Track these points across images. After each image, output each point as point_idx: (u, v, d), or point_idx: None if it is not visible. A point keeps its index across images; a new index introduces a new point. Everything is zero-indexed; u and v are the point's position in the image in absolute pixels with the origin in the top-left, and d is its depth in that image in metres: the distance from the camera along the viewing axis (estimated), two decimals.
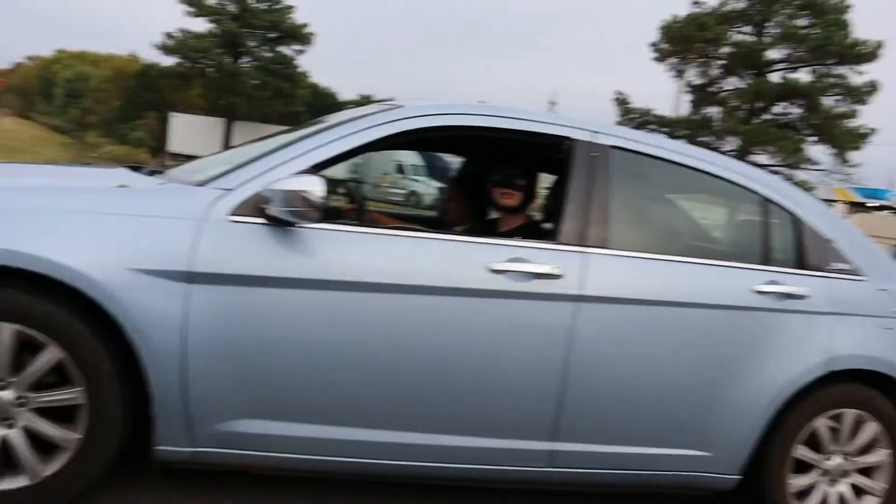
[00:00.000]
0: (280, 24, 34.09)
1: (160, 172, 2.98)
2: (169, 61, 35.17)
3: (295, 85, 35.23)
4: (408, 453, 2.57)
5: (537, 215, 3.33)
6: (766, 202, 3.09)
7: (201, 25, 33.97)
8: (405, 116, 2.68)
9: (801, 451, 2.94)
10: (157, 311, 2.27)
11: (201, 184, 2.48)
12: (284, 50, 35.36)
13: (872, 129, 24.01)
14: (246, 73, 33.76)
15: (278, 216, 2.35)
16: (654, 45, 25.62)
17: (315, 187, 2.33)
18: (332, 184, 2.68)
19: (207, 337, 2.32)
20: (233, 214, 2.37)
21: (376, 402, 2.50)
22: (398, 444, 2.55)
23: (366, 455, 2.55)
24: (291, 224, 2.39)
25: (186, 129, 34.53)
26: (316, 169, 2.52)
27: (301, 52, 35.37)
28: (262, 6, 33.99)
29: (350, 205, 3.47)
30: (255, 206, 2.38)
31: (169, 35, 33.33)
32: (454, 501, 2.97)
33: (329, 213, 2.76)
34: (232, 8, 33.67)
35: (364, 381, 2.47)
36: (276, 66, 34.23)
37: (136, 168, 3.10)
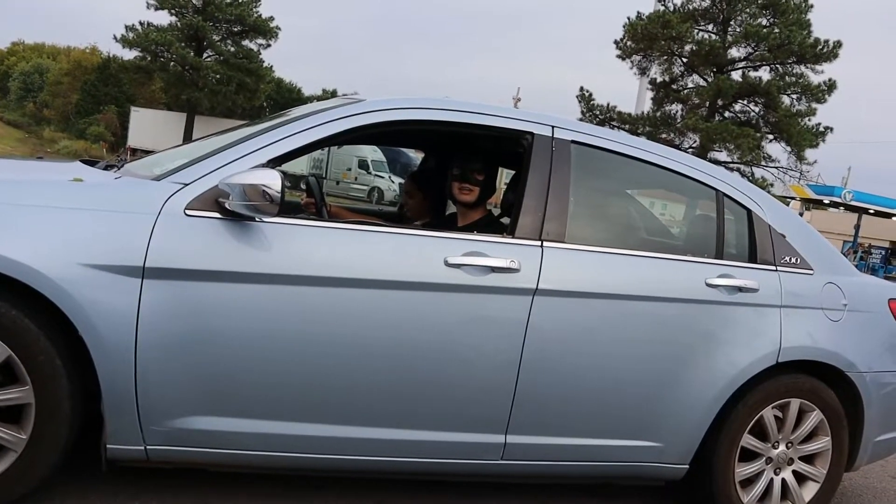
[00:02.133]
0: (245, 18, 33.75)
1: (115, 167, 2.95)
2: (129, 55, 34.62)
3: (258, 79, 34.90)
4: (365, 448, 2.58)
5: (496, 210, 3.37)
6: (721, 197, 3.16)
7: (163, 18, 33.53)
8: (366, 111, 2.68)
9: (749, 440, 3.02)
10: (109, 307, 2.24)
11: (157, 178, 2.45)
12: (249, 44, 35.02)
13: (828, 128, 24.57)
14: (209, 67, 33.37)
15: (236, 210, 2.34)
16: (618, 42, 25.85)
17: (273, 181, 2.32)
18: (292, 178, 2.67)
19: (161, 333, 2.29)
20: (189, 209, 2.35)
21: (333, 397, 2.51)
22: (356, 439, 2.56)
23: (323, 450, 2.55)
24: (249, 218, 2.38)
25: (147, 124, 34.05)
26: (275, 163, 2.52)
27: (266, 46, 35.07)
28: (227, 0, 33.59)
29: (309, 199, 3.47)
30: (213, 201, 2.37)
31: (130, 28, 32.80)
32: (445, 499, 3.01)
33: (288, 208, 2.76)
34: (195, 1, 33.20)
35: (320, 376, 2.47)
36: (239, 61, 33.89)
37: (90, 162, 3.06)
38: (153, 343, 2.29)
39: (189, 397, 2.37)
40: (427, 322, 2.55)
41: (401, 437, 2.60)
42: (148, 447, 2.39)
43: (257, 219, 2.39)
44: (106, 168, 2.96)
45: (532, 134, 2.83)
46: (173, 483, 2.75)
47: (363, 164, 30.40)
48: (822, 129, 24.56)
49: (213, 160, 2.49)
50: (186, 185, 2.40)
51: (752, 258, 3.12)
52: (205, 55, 34.21)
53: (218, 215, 2.37)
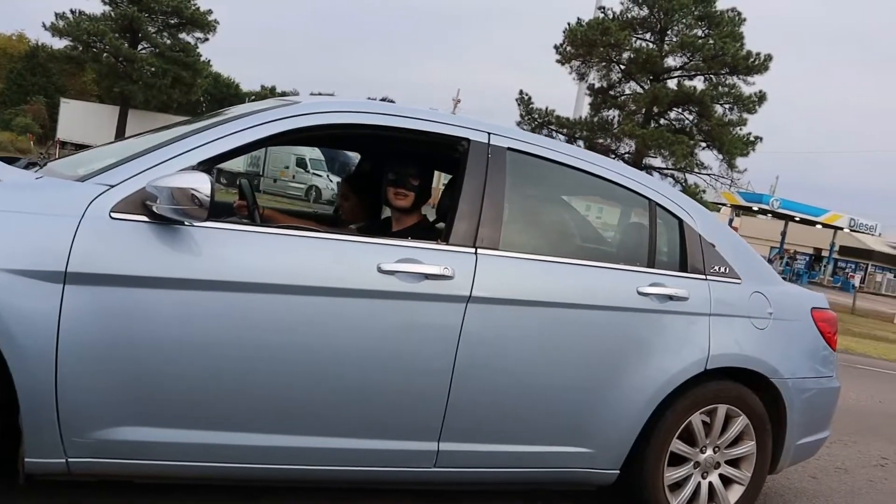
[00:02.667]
0: (182, 11, 32.96)
1: (37, 165, 2.83)
2: (60, 44, 33.39)
3: (195, 74, 34.11)
4: (297, 457, 2.53)
5: (431, 215, 3.35)
6: (653, 206, 3.22)
7: (96, 7, 32.44)
8: (300, 113, 2.64)
9: (678, 446, 3.09)
10: (28, 313, 2.13)
11: (82, 179, 2.35)
12: (186, 37, 34.21)
13: (758, 138, 25.38)
14: (144, 59, 32.43)
15: (164, 214, 2.26)
16: (558, 47, 26.18)
17: (203, 185, 2.25)
18: (226, 177, 2.60)
19: (84, 341, 2.20)
20: (115, 212, 2.26)
21: (264, 406, 2.45)
22: (288, 448, 2.51)
23: (254, 460, 2.49)
24: (178, 223, 2.31)
25: (77, 117, 32.93)
26: (205, 165, 2.44)
27: (203, 40, 34.30)
28: None
29: (241, 202, 3.39)
30: (140, 204, 2.29)
31: (60, 15, 31.62)
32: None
33: (219, 211, 2.69)
34: None
35: (251, 385, 2.41)
36: (175, 54, 33.06)
37: (10, 160, 2.92)
38: (75, 351, 2.19)
39: (113, 408, 2.27)
40: (360, 329, 2.51)
41: (333, 446, 2.56)
42: (69, 460, 2.28)
43: (186, 223, 2.32)
44: (27, 167, 2.83)
45: (468, 140, 2.83)
46: (98, 494, 2.65)
47: (301, 163, 30.05)
48: (752, 138, 25.35)
49: (141, 161, 2.40)
50: (112, 186, 2.30)
51: (683, 267, 3.18)
52: (139, 47, 33.25)
53: (145, 219, 2.29)
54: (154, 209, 2.26)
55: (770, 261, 37.79)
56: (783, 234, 45.44)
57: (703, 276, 3.19)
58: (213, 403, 2.39)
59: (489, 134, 2.88)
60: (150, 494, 2.73)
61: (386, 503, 3.04)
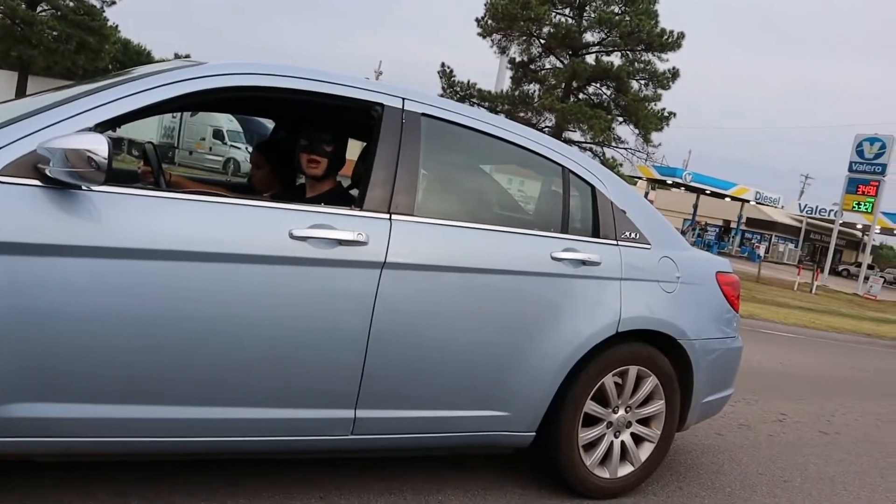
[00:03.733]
0: None
1: None
2: None
3: (102, 39, 32.44)
4: (209, 429, 2.47)
5: (348, 180, 3.30)
6: (567, 173, 3.25)
7: None
8: (206, 74, 2.52)
9: (591, 407, 3.16)
10: None
11: None
12: (90, 0, 32.47)
13: (672, 113, 26.07)
14: (44, 22, 30.59)
15: (58, 177, 2.13)
16: (479, 20, 26.13)
17: (99, 146, 2.12)
18: (138, 149, 2.48)
19: None
20: (3, 175, 2.11)
21: (172, 377, 2.37)
22: (198, 420, 2.44)
23: (166, 433, 2.41)
24: (75, 187, 2.18)
25: None
26: (103, 127, 2.32)
27: (111, 3, 32.63)
28: None
29: (146, 168, 3.26)
30: (31, 167, 2.15)
31: None
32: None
33: (123, 176, 2.57)
34: None
35: (158, 356, 2.33)
36: (79, 17, 31.30)
37: None
38: None
39: (12, 383, 2.15)
40: (272, 296, 2.45)
41: (246, 416, 2.51)
42: None
43: (83, 187, 2.20)
44: None
45: (382, 105, 2.78)
46: (56, 478, 2.53)
47: (218, 134, 29.13)
48: (666, 113, 26.01)
49: (32, 122, 2.24)
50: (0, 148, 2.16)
51: (596, 233, 3.24)
52: (39, 9, 31.38)
53: (38, 183, 2.15)
54: (47, 172, 2.13)
55: (683, 232, 39.14)
56: (695, 206, 47.14)
57: (615, 242, 3.25)
58: (116, 376, 2.29)
59: (403, 99, 2.84)
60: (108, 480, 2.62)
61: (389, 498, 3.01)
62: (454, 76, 26.66)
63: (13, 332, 2.13)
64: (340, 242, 2.55)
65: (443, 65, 26.81)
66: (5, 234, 2.10)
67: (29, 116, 2.28)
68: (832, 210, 41.82)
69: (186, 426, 2.43)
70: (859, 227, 45.07)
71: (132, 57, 38.45)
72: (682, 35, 25.17)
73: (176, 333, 2.34)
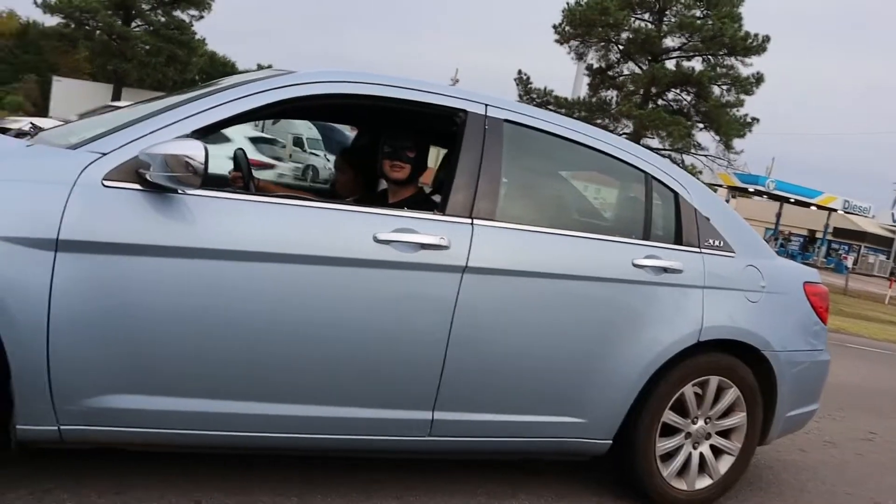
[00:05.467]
0: None
1: (29, 134, 2.81)
2: (51, 21, 33.03)
3: (190, 52, 33.82)
4: (291, 425, 2.54)
5: (428, 187, 3.35)
6: (649, 180, 3.22)
7: None
8: (297, 83, 2.62)
9: (670, 416, 3.11)
10: (18, 281, 2.12)
11: (73, 147, 2.34)
12: (180, 15, 33.89)
13: (755, 119, 25.35)
14: (137, 37, 32.13)
15: (157, 182, 2.25)
16: (556, 26, 26.04)
17: (197, 152, 2.24)
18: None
19: (76, 309, 2.19)
20: (107, 179, 2.24)
21: (257, 374, 2.46)
22: (281, 417, 2.52)
23: (247, 428, 2.50)
24: (172, 190, 2.30)
25: (70, 95, 32.60)
26: (199, 134, 2.42)
27: (199, 17, 34.01)
28: None
29: (236, 173, 3.39)
30: (133, 172, 2.27)
31: None
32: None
33: (214, 182, 2.68)
34: None
35: (245, 353, 2.42)
36: (170, 32, 32.76)
37: (1, 130, 2.90)
38: (67, 319, 2.18)
39: (105, 375, 2.28)
40: (355, 299, 2.52)
41: (327, 414, 2.58)
42: (62, 427, 2.28)
43: (180, 191, 2.31)
44: (17, 136, 2.81)
45: (465, 112, 2.82)
46: (91, 465, 2.67)
47: (298, 142, 29.80)
48: (749, 119, 25.34)
49: (134, 129, 2.38)
50: (104, 154, 2.29)
51: (678, 240, 3.19)
52: (133, 24, 32.94)
53: (138, 187, 2.28)
54: (147, 177, 2.25)
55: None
56: (778, 215, 45.49)
57: (698, 249, 3.20)
58: (206, 372, 2.40)
59: (486, 105, 2.87)
60: (136, 470, 2.75)
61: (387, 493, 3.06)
62: (531, 83, 26.62)
63: (109, 327, 2.25)
64: (423, 246, 2.59)
65: (519, 72, 26.85)
66: (109, 235, 2.23)
67: (130, 125, 2.42)
68: None
69: (268, 422, 2.51)
70: None
71: (218, 68, 39.86)
72: (767, 38, 24.49)
73: (263, 333, 2.43)
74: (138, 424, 2.37)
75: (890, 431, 5.49)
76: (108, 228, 2.23)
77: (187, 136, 2.37)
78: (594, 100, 26.61)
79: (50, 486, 2.52)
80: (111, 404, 2.31)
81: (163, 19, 33.35)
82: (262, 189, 3.54)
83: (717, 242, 3.26)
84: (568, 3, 25.42)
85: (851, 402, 6.31)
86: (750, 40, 24.44)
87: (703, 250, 3.20)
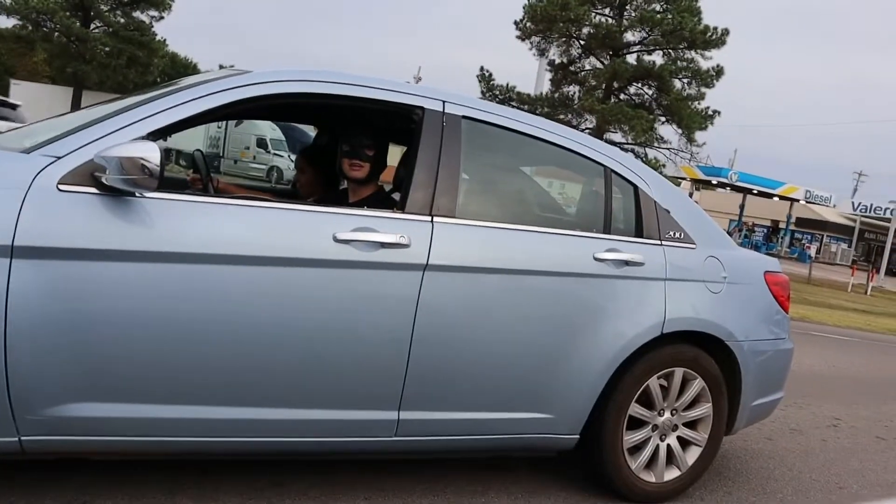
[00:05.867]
0: None
1: None
2: (7, 23, 32.29)
3: (151, 53, 33.33)
4: (257, 429, 2.52)
5: (389, 185, 3.33)
6: (609, 173, 3.24)
7: None
8: (252, 82, 2.59)
9: (636, 409, 3.13)
10: None
11: (27, 151, 2.28)
12: (140, 16, 33.37)
13: (716, 112, 25.70)
14: (97, 38, 31.56)
15: (113, 185, 2.21)
16: (518, 23, 26.12)
17: (152, 154, 2.20)
18: (185, 159, 2.55)
19: (34, 316, 2.14)
20: (63, 183, 2.20)
21: (221, 378, 2.42)
22: (247, 420, 2.49)
23: (214, 433, 2.47)
24: (129, 194, 2.26)
25: (29, 99, 31.92)
26: (155, 136, 2.39)
27: (159, 18, 33.52)
28: None
29: (195, 175, 3.34)
30: (88, 175, 2.23)
31: None
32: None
33: (173, 184, 2.64)
34: None
35: (207, 357, 2.39)
36: (130, 33, 32.25)
37: None
38: (25, 327, 2.13)
39: (67, 384, 2.23)
40: (316, 299, 2.50)
41: (292, 417, 2.55)
42: (22, 438, 2.23)
43: (137, 194, 2.27)
44: None
45: (423, 108, 2.81)
46: (109, 476, 2.61)
47: (262, 143, 29.64)
48: (710, 112, 25.68)
49: (89, 132, 2.34)
50: (59, 158, 2.24)
51: (639, 233, 3.22)
52: (92, 26, 32.36)
53: (94, 190, 2.23)
54: (103, 180, 2.21)
55: (729, 233, 38.41)
56: (742, 206, 46.19)
57: (659, 242, 3.22)
58: (168, 377, 2.36)
59: (444, 102, 2.86)
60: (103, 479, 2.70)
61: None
62: (493, 80, 26.71)
63: (70, 334, 2.21)
64: (383, 245, 2.58)
65: (482, 69, 26.92)
66: (64, 240, 2.18)
67: (85, 128, 2.37)
68: (888, 208, 40.57)
69: (233, 427, 2.48)
70: None
71: (179, 69, 39.40)
72: (726, 31, 24.83)
73: (223, 335, 2.40)
74: (103, 433, 2.33)
75: (853, 417, 5.61)
76: (65, 233, 2.18)
77: (143, 137, 2.34)
78: (557, 95, 26.77)
79: (12, 498, 2.46)
80: (74, 413, 2.26)
81: (122, 20, 32.81)
82: (222, 191, 3.49)
83: (677, 234, 3.29)
84: (529, 0, 25.52)
85: (816, 389, 6.43)
86: (709, 34, 24.77)
87: (664, 243, 3.23)
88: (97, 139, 2.30)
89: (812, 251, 45.87)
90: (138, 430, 2.37)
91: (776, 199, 45.04)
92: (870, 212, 46.26)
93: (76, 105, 31.31)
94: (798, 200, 44.71)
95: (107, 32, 32.21)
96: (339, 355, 2.56)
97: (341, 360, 2.57)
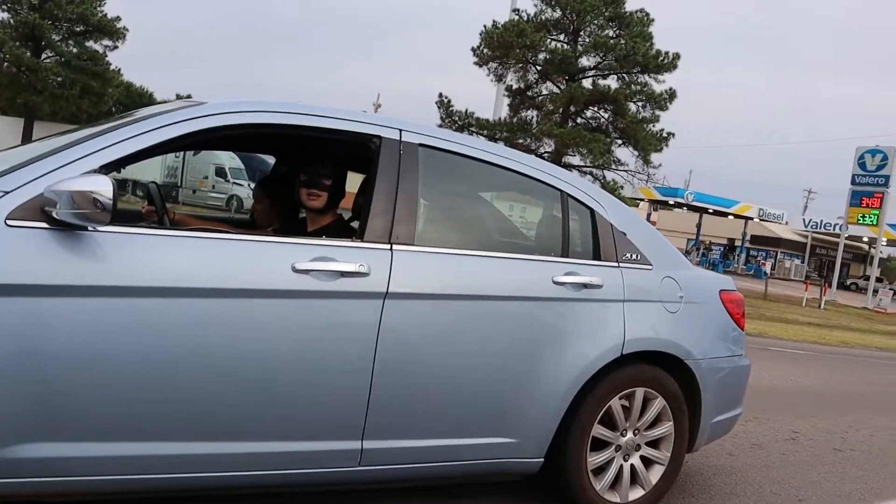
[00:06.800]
0: (88, 18, 31.71)
1: None
2: None
3: (105, 83, 32.87)
4: (219, 464, 2.47)
5: (346, 214, 3.33)
6: (566, 198, 3.28)
7: None
8: (206, 114, 2.57)
9: (599, 430, 3.15)
10: None
11: None
12: (93, 45, 32.96)
13: (671, 134, 26.21)
14: (48, 69, 31.02)
15: (64, 219, 2.17)
16: (475, 49, 26.41)
17: (104, 188, 2.17)
18: (142, 189, 2.52)
19: None
20: (11, 218, 2.15)
21: (179, 413, 2.38)
22: (207, 455, 2.44)
23: (174, 470, 2.42)
24: (81, 228, 2.22)
25: None
26: (108, 169, 2.36)
27: (113, 48, 33.12)
28: None
29: (150, 207, 3.30)
30: (38, 209, 2.19)
31: None
32: None
33: (127, 216, 2.60)
34: None
35: (164, 392, 2.34)
36: (83, 63, 31.78)
37: None
38: None
39: (18, 423, 2.16)
40: (276, 330, 2.47)
41: (254, 450, 2.51)
42: None
43: (90, 228, 2.23)
44: None
45: (380, 137, 2.83)
46: None
47: (220, 172, 29.39)
48: (665, 134, 26.15)
49: (38, 166, 2.29)
50: (7, 192, 2.19)
51: (596, 255, 3.26)
52: (43, 56, 31.86)
53: (45, 225, 2.19)
54: (54, 214, 2.17)
55: (687, 252, 39.09)
56: (698, 225, 47.05)
57: (616, 264, 3.27)
58: (124, 414, 2.31)
59: (400, 130, 2.88)
60: None
61: None
62: (452, 106, 26.88)
63: (20, 372, 2.15)
64: (342, 274, 2.57)
65: (440, 95, 27.07)
66: (14, 277, 2.13)
67: (35, 161, 2.32)
68: (837, 224, 41.75)
69: (191, 462, 2.44)
70: (865, 239, 45.01)
71: (135, 99, 38.89)
72: (677, 56, 25.40)
73: (181, 369, 2.36)
74: (56, 473, 2.26)
75: (811, 430, 5.71)
76: (14, 269, 2.13)
77: (95, 171, 2.30)
78: (515, 120, 27.03)
79: None
80: (24, 454, 2.19)
81: (75, 50, 32.37)
82: (178, 222, 3.45)
83: (634, 256, 3.34)
84: (485, 26, 25.84)
85: (775, 403, 6.54)
86: (661, 58, 25.31)
87: (621, 264, 3.28)
88: (47, 172, 2.26)
89: (767, 267, 46.87)
90: (93, 469, 2.30)
91: (731, 217, 46.02)
92: (820, 228, 47.54)
93: (27, 136, 30.70)
94: (752, 218, 45.72)
95: (59, 62, 31.74)
96: (300, 386, 2.53)
97: (303, 391, 2.54)
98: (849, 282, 51.12)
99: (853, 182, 32.83)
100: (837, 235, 38.89)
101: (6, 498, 2.28)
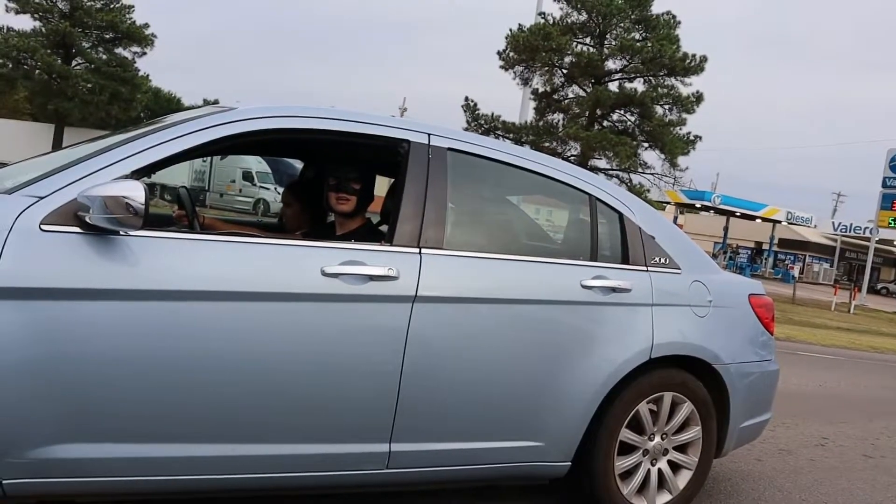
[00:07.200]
0: (117, 25, 32.26)
1: None
2: None
3: (134, 89, 33.38)
4: (248, 465, 2.49)
5: (375, 218, 3.35)
6: (594, 202, 3.27)
7: (26, 23, 31.59)
8: (237, 119, 2.60)
9: (627, 435, 3.14)
10: None
11: (9, 191, 2.27)
12: (122, 52, 33.51)
13: (698, 136, 25.98)
14: (78, 75, 31.60)
15: (97, 224, 2.20)
16: (501, 53, 26.41)
17: (136, 192, 2.20)
18: (170, 193, 2.55)
19: (17, 357, 2.12)
20: (45, 224, 2.19)
21: (209, 415, 2.41)
22: (237, 457, 2.47)
23: (203, 471, 2.44)
24: (113, 232, 2.25)
25: (9, 137, 31.85)
26: (140, 174, 2.39)
27: (141, 54, 33.66)
28: (97, 4, 32.01)
29: (180, 211, 3.34)
30: (72, 215, 2.22)
31: None
32: None
33: (158, 221, 2.63)
34: (62, 5, 31.45)
35: (196, 394, 2.37)
36: (112, 69, 32.33)
37: None
38: (7, 368, 2.11)
39: (51, 425, 2.20)
40: (305, 333, 2.49)
41: (283, 452, 2.53)
42: (4, 482, 2.19)
43: (121, 232, 2.27)
44: None
45: (409, 142, 2.84)
46: None
47: (248, 176, 29.67)
48: (692, 137, 25.93)
49: (72, 171, 2.33)
50: (42, 198, 2.23)
51: (625, 259, 3.25)
52: (74, 63, 32.44)
53: (78, 230, 2.23)
54: (87, 219, 2.20)
55: (714, 256, 38.70)
56: (725, 229, 46.54)
57: (645, 268, 3.25)
58: (155, 416, 2.34)
59: (429, 135, 2.89)
60: None
61: None
62: (478, 109, 26.90)
63: (54, 375, 2.18)
64: (371, 278, 2.59)
65: (466, 99, 27.10)
66: (48, 281, 2.17)
67: (68, 167, 2.36)
68: (867, 228, 41.07)
69: (222, 464, 2.46)
70: None
71: (163, 105, 39.48)
72: (704, 58, 25.18)
73: (212, 373, 2.38)
74: (89, 474, 2.29)
75: (841, 436, 5.62)
76: (48, 273, 2.17)
77: (128, 176, 2.34)
78: (541, 124, 26.97)
79: None
80: (57, 455, 2.23)
81: (104, 57, 32.92)
82: (208, 226, 3.50)
83: (663, 260, 3.32)
84: (511, 30, 25.82)
85: (804, 408, 6.45)
86: (688, 61, 25.11)
87: (649, 268, 3.26)
88: (80, 178, 2.29)
89: (795, 271, 46.26)
90: (125, 470, 2.33)
91: (759, 220, 45.45)
92: (850, 231, 46.78)
93: (58, 142, 31.25)
94: (780, 222, 45.11)
95: (89, 69, 32.28)
96: (329, 389, 2.55)
97: (332, 394, 2.56)
98: (879, 286, 50.31)
99: (884, 185, 32.22)
100: (867, 239, 38.23)
101: (40, 497, 2.31)
